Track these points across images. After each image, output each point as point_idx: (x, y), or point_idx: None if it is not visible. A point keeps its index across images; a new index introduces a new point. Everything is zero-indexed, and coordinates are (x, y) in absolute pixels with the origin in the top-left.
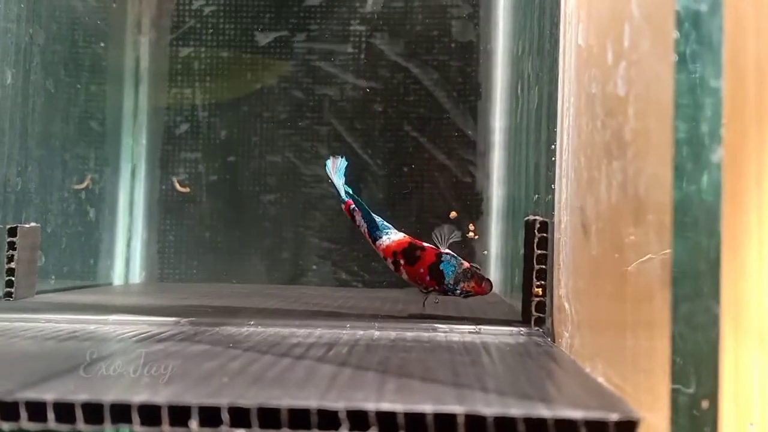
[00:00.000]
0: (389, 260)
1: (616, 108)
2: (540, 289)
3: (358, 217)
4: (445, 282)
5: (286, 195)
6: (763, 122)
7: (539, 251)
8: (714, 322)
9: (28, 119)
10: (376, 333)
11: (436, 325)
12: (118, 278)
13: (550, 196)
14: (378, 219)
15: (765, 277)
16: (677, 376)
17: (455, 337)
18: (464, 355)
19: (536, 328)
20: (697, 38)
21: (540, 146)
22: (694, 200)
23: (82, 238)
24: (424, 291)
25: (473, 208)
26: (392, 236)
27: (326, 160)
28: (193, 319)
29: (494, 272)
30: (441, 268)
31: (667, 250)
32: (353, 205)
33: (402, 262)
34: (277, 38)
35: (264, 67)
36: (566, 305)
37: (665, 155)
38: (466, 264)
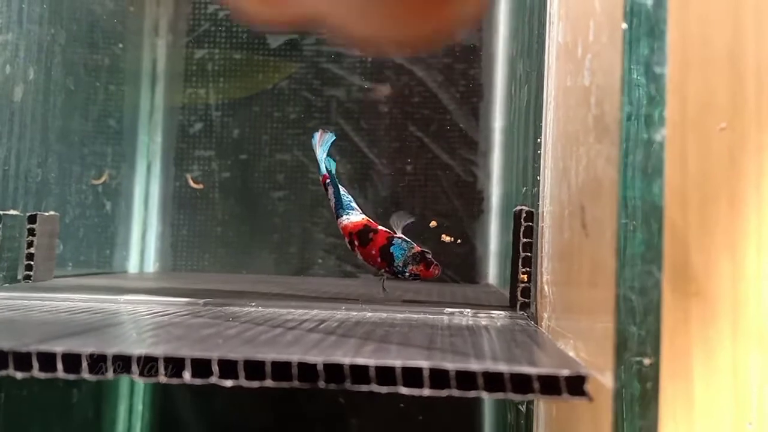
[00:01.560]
0: (346, 239)
1: (582, 98)
2: (525, 275)
3: (330, 192)
4: (395, 264)
5: (294, 192)
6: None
7: (525, 239)
8: (655, 285)
9: (49, 114)
10: (368, 313)
11: (426, 308)
12: (132, 268)
13: (536, 188)
14: (346, 199)
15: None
16: (621, 337)
17: (443, 318)
18: (445, 330)
19: (521, 312)
20: (642, 29)
21: (528, 142)
22: (637, 176)
23: (98, 229)
24: (379, 274)
25: (474, 206)
26: (352, 217)
27: (314, 132)
28: (200, 299)
29: (492, 267)
30: (391, 251)
31: (614, 222)
32: (328, 180)
33: (356, 242)
34: (288, 41)
35: (275, 68)
36: (546, 289)
37: (615, 136)
38: (416, 248)
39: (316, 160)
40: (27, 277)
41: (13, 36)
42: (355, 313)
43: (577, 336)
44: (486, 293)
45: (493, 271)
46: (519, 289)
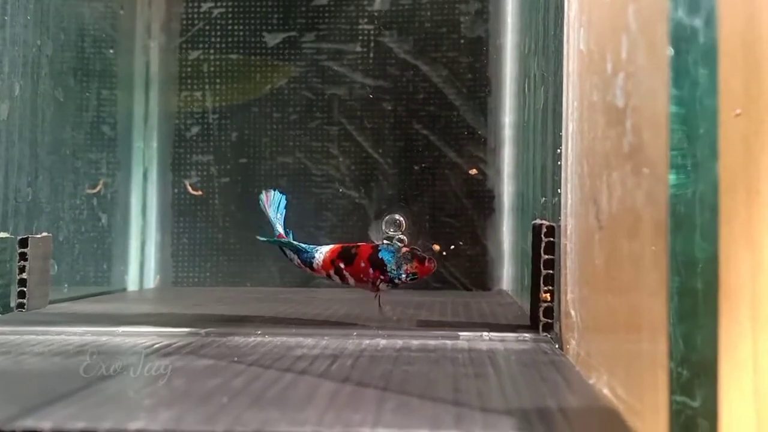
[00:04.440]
0: (332, 272)
1: (615, 118)
2: (548, 294)
3: (288, 252)
4: (388, 269)
5: (297, 196)
6: None
7: (546, 256)
8: (711, 340)
9: (38, 129)
10: (382, 342)
11: (443, 332)
12: (132, 283)
13: (556, 199)
14: (304, 244)
15: None
16: (675, 387)
17: (462, 344)
18: (468, 367)
19: (544, 334)
20: (691, 55)
21: (546, 148)
22: (688, 219)
23: (94, 244)
24: (372, 288)
25: (485, 205)
26: (323, 249)
27: (260, 194)
28: (202, 329)
29: (507, 269)
30: (380, 257)
31: (663, 267)
32: (284, 239)
33: (342, 265)
34: (286, 39)
35: (273, 68)
36: (572, 312)
37: (660, 172)
38: (404, 248)
39: (270, 223)
40: (20, 306)
41: None
42: (368, 341)
43: (612, 373)
44: (502, 306)
45: (507, 274)
46: (541, 309)
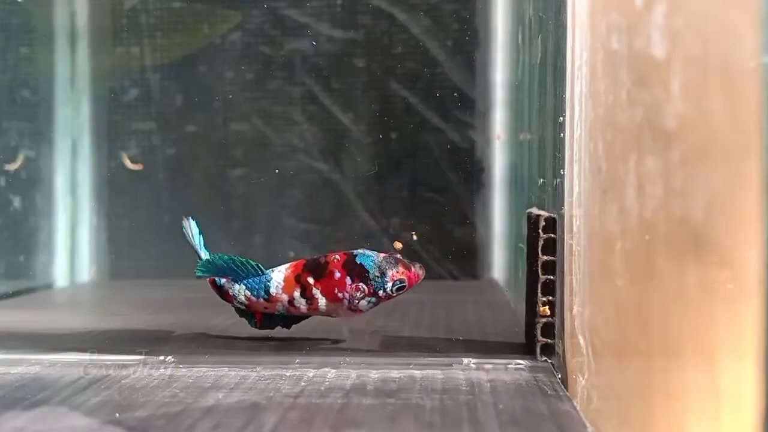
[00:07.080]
0: (296, 293)
1: (650, 75)
2: (547, 307)
3: (228, 285)
4: (370, 276)
5: (256, 169)
6: None
7: (545, 257)
8: None
9: None
10: (331, 373)
11: (412, 357)
12: (61, 276)
13: (558, 180)
14: (253, 263)
15: None
16: None
17: (435, 377)
18: (436, 429)
19: (543, 358)
20: None
21: (545, 115)
22: None
23: (4, 233)
24: (350, 309)
25: (474, 179)
26: (281, 268)
27: (182, 221)
28: (102, 357)
29: (497, 254)
30: (359, 261)
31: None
32: (219, 279)
33: (311, 280)
34: None
35: (224, 18)
36: (581, 337)
37: (746, 165)
38: (381, 253)
39: (195, 251)
40: None
41: None
42: (312, 373)
43: None
44: (491, 308)
45: (498, 260)
46: (538, 326)
